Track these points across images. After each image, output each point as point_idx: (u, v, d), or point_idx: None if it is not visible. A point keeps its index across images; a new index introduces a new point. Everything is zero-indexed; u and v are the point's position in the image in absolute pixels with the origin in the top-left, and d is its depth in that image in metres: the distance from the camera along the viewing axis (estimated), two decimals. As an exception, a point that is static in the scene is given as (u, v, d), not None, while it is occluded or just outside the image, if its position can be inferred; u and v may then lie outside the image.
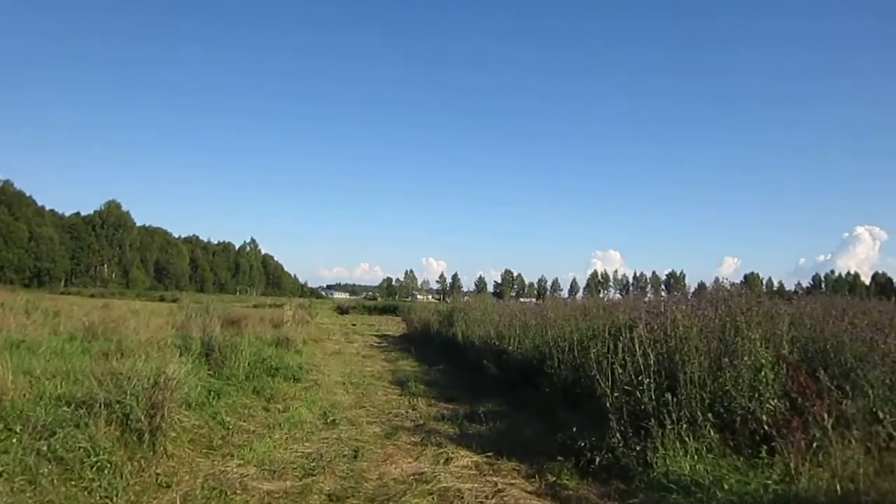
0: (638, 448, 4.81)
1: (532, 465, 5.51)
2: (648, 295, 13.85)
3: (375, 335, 25.28)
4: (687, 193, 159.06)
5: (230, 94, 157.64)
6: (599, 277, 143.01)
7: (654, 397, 5.07)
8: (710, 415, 4.74)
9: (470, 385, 10.48)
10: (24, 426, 4.55)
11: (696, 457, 4.61)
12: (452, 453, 5.84)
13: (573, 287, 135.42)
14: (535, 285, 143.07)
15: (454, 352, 14.54)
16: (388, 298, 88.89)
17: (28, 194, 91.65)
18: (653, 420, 4.78)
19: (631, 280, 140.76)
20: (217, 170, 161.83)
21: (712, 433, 4.70)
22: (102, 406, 4.71)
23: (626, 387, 5.23)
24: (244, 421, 6.82)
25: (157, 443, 4.85)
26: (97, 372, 5.82)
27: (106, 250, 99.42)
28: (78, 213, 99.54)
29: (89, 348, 9.30)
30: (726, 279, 8.05)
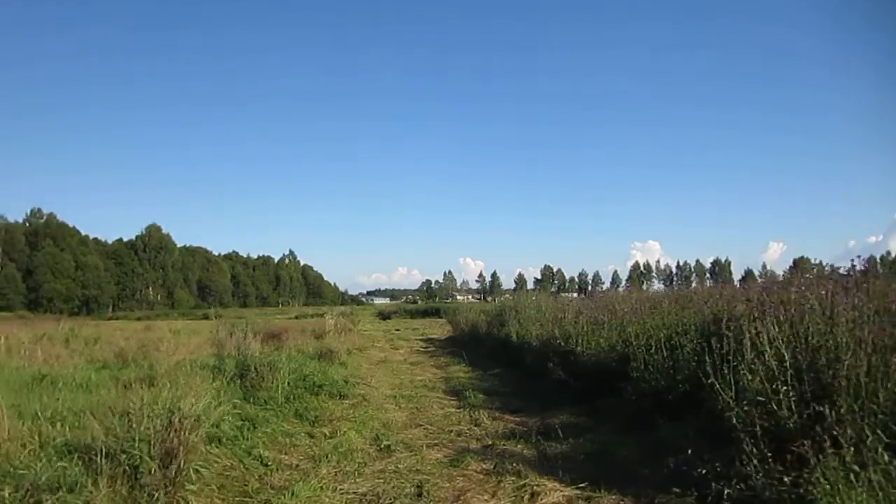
0: (786, 479, 3.66)
1: (640, 498, 4.43)
2: (693, 284, 12.40)
3: (420, 339, 24.35)
4: (725, 179, 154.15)
5: (249, 101, 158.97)
6: (641, 268, 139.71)
7: (795, 410, 3.92)
8: (882, 434, 3.56)
9: (534, 392, 9.41)
10: (16, 488, 3.67)
11: (867, 492, 3.45)
12: (537, 485, 4.77)
13: (615, 280, 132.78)
14: (576, 279, 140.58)
15: (509, 354, 13.46)
16: (428, 301, 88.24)
17: (71, 225, 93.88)
18: (805, 442, 3.61)
19: (674, 270, 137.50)
20: (251, 184, 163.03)
21: (886, 458, 3.52)
22: (103, 457, 3.78)
23: (758, 397, 4.07)
24: (285, 453, 5.88)
25: (176, 500, 3.92)
26: (118, 407, 4.95)
27: (149, 273, 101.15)
28: (120, 239, 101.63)
29: (119, 376, 8.53)
30: (773, 266, 7.10)
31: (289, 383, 7.94)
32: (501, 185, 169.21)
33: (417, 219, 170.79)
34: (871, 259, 7.61)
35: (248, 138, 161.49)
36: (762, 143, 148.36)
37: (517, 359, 12.70)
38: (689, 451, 4.34)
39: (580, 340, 8.75)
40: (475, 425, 7.36)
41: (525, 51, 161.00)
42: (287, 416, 7.10)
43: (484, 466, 5.46)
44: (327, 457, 5.73)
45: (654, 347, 6.63)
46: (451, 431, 7.05)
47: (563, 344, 9.12)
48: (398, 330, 31.77)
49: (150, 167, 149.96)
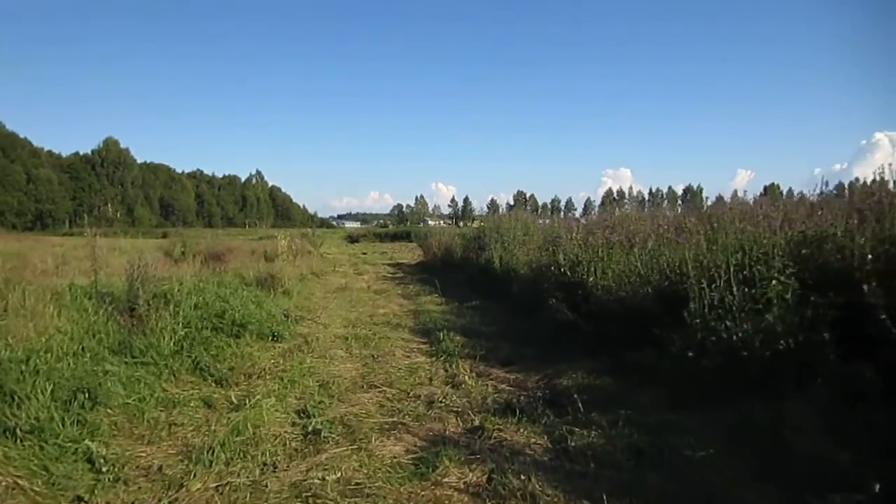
0: None
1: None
2: (666, 210, 10.79)
3: (388, 264, 22.16)
4: (693, 107, 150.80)
5: (224, 16, 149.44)
6: (614, 195, 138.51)
7: None
8: None
9: (527, 335, 7.30)
10: None
11: None
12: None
13: (587, 206, 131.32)
14: (549, 205, 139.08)
15: (490, 284, 11.34)
16: (399, 225, 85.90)
17: (22, 136, 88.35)
18: None
19: (647, 196, 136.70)
20: (217, 99, 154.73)
21: None
22: None
23: None
24: (147, 443, 3.64)
25: None
26: None
27: (108, 189, 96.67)
28: (77, 153, 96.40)
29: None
30: (745, 191, 6.69)
31: (189, 322, 5.59)
32: (474, 111, 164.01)
33: (390, 142, 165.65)
34: (839, 185, 6.63)
35: (215, 54, 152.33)
36: (728, 71, 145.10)
37: (501, 289, 10.58)
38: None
39: (594, 269, 6.54)
40: (453, 386, 5.21)
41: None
42: (178, 373, 4.82)
43: (471, 478, 3.26)
44: (212, 452, 3.50)
45: (719, 281, 4.45)
46: (419, 398, 4.86)
47: (567, 273, 6.91)
48: (365, 254, 29.50)
49: (106, 79, 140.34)
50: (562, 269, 7.12)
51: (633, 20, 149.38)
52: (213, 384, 4.90)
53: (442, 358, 6.24)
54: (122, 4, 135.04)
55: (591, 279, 6.53)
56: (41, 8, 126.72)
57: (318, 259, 19.47)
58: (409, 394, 4.99)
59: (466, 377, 5.42)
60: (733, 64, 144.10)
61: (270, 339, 6.80)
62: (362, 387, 5.18)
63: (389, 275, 17.73)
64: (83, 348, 4.41)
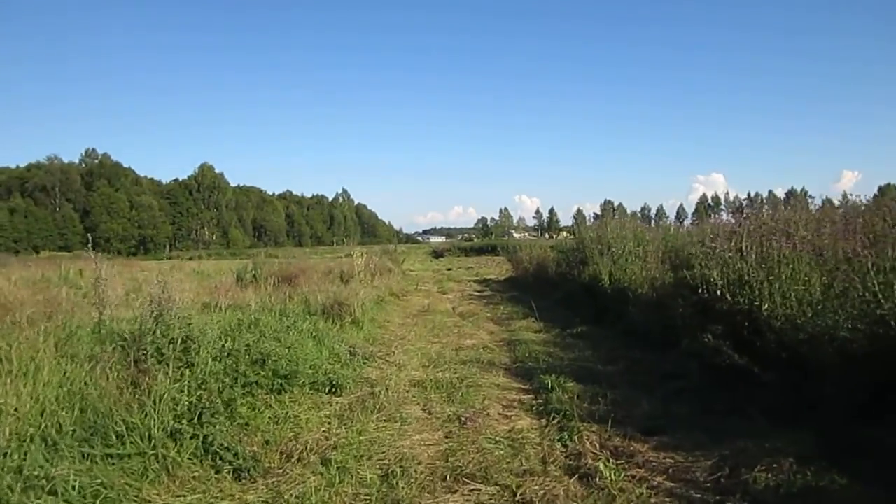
0: None
1: None
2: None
3: (475, 280, 20.55)
4: (790, 104, 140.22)
5: (305, 42, 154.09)
6: (709, 201, 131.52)
7: None
8: None
9: (663, 378, 5.45)
10: None
11: None
12: None
13: (679, 213, 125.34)
14: (638, 214, 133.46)
15: (598, 306, 9.47)
16: (484, 239, 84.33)
17: (126, 165, 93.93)
18: None
19: (744, 201, 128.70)
20: (304, 122, 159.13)
21: None
22: None
23: None
24: None
25: None
26: None
27: (204, 213, 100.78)
28: (176, 179, 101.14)
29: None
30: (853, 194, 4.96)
31: (203, 381, 4.06)
32: (556, 119, 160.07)
33: (472, 156, 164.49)
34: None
35: (295, 82, 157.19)
36: (823, 69, 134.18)
37: (612, 313, 8.75)
38: None
39: (770, 292, 4.57)
40: (580, 479, 3.43)
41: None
42: (176, 465, 3.29)
43: None
44: None
45: None
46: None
47: (727, 297, 4.94)
48: (450, 269, 27.98)
49: (204, 107, 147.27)
50: (713, 291, 5.17)
51: (723, 19, 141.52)
52: (230, 478, 3.35)
53: (555, 421, 4.46)
54: (201, 36, 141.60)
55: (767, 306, 4.58)
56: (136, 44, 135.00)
57: (399, 277, 18.11)
58: (515, 496, 3.24)
59: (598, 461, 3.62)
60: (831, 58, 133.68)
61: (327, 390, 5.26)
62: (444, 478, 3.47)
63: (476, 293, 16.07)
64: (34, 435, 2.97)
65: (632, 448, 3.89)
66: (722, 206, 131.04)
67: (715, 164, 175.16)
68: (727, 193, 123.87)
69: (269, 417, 4.38)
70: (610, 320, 8.66)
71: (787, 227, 4.94)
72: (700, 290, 5.34)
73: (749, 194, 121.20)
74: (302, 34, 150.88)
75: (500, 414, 4.80)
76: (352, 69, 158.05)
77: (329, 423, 4.48)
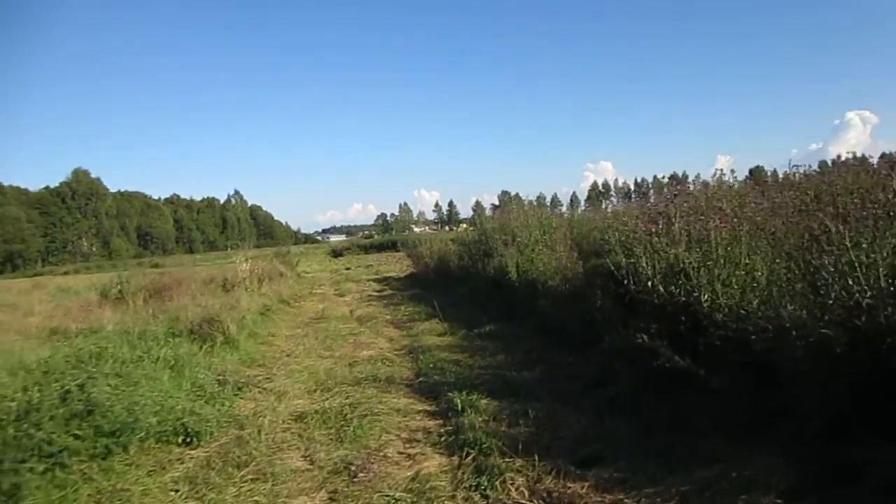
0: None
1: None
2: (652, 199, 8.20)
3: (374, 279, 19.45)
4: (670, 92, 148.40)
5: (187, 32, 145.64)
6: (600, 188, 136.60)
7: None
8: None
9: (589, 386, 4.70)
10: None
11: None
12: None
13: (573, 201, 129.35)
14: (535, 203, 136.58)
15: (507, 301, 8.71)
16: (384, 235, 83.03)
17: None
18: None
19: (632, 187, 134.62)
20: (189, 122, 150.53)
21: None
22: None
23: None
24: None
25: None
26: None
27: (81, 223, 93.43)
28: (47, 187, 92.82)
29: None
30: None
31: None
32: (451, 114, 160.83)
33: (369, 152, 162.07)
34: (822, 164, 6.59)
35: (180, 73, 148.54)
36: (698, 56, 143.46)
37: (523, 308, 7.99)
38: None
39: (713, 281, 3.86)
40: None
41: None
42: None
43: None
44: None
45: None
46: None
47: (659, 289, 4.19)
48: (348, 269, 26.69)
49: (76, 110, 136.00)
50: (640, 281, 4.43)
51: (606, 16, 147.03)
52: None
53: (469, 458, 3.56)
54: (79, 31, 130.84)
55: (707, 297, 3.87)
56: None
57: (292, 282, 16.73)
58: None
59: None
60: (704, 48, 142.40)
61: (180, 440, 4.11)
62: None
63: (376, 293, 15.02)
64: None
65: (569, 490, 3.06)
66: (612, 192, 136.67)
67: (603, 153, 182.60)
68: (616, 180, 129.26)
69: (89, 495, 3.21)
70: (521, 316, 7.91)
71: (722, 203, 4.26)
72: (626, 282, 4.59)
73: (636, 180, 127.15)
74: (181, 32, 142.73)
75: (400, 453, 3.83)
76: (237, 66, 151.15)
77: (175, 492, 3.35)
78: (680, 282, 4.06)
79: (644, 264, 4.29)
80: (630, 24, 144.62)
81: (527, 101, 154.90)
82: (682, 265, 4.07)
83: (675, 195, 4.71)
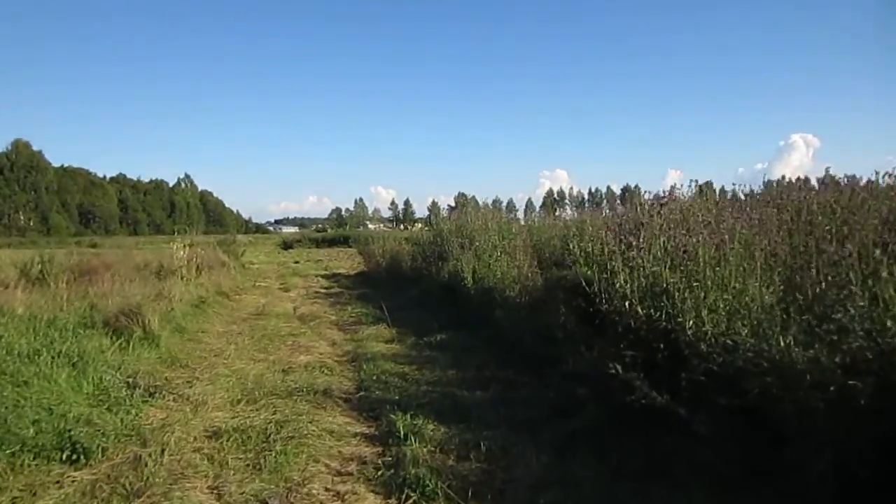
0: None
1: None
2: (605, 210, 8.05)
3: (323, 275, 18.68)
4: (624, 108, 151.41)
5: (142, 12, 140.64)
6: (555, 195, 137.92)
7: None
8: None
9: (551, 415, 4.17)
10: None
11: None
12: None
13: (528, 206, 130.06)
14: (490, 206, 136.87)
15: (460, 308, 8.19)
16: (338, 230, 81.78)
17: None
18: None
19: (586, 196, 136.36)
20: (140, 99, 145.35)
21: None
22: None
23: None
24: None
25: None
26: None
27: (19, 196, 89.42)
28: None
29: None
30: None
31: None
32: (412, 113, 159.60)
33: (328, 145, 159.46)
34: (767, 183, 6.49)
35: (135, 51, 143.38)
36: (653, 74, 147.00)
37: (477, 316, 7.51)
38: None
39: (696, 304, 3.39)
40: None
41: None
42: None
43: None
44: None
45: None
46: None
47: (637, 311, 3.69)
48: (297, 262, 25.79)
49: (13, 80, 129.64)
50: (613, 301, 3.94)
51: (564, 20, 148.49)
52: None
53: (410, 502, 2.99)
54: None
55: (691, 323, 3.39)
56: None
57: (235, 273, 15.84)
58: None
59: None
60: (660, 66, 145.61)
61: (65, 458, 3.42)
62: None
63: (323, 290, 14.31)
64: None
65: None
66: (566, 201, 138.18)
67: (559, 161, 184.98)
68: (571, 188, 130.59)
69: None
70: (474, 325, 7.39)
71: (709, 216, 3.79)
72: (597, 299, 4.10)
73: (590, 189, 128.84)
74: (143, 5, 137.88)
75: (328, 489, 3.22)
76: (196, 48, 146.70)
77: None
78: (661, 304, 3.58)
79: (622, 280, 3.79)
80: (591, 40, 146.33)
81: (484, 104, 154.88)
82: (664, 285, 3.59)
83: (663, 204, 4.21)
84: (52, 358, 4.80)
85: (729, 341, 3.22)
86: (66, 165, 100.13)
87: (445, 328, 7.65)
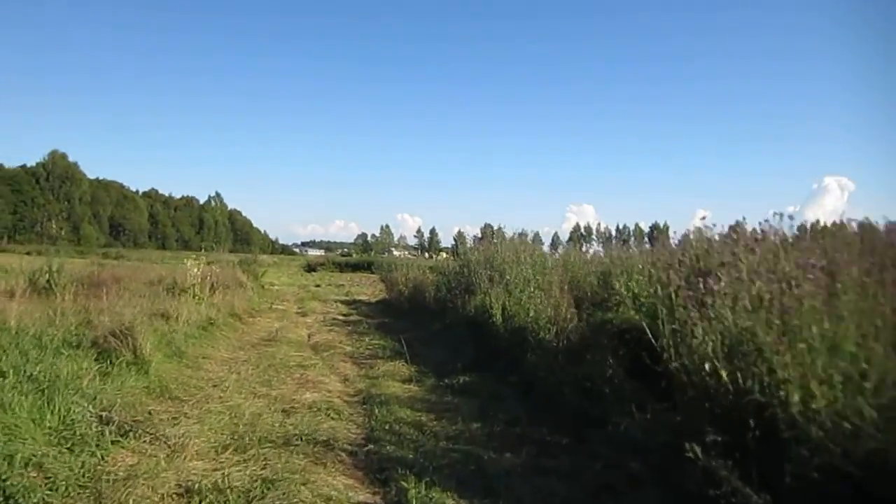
0: None
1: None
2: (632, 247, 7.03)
3: (344, 301, 18.04)
4: (654, 148, 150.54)
5: (188, 33, 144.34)
6: (582, 230, 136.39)
7: None
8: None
9: (597, 488, 3.38)
10: None
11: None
12: None
13: (555, 241, 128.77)
14: (517, 239, 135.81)
15: (487, 348, 7.40)
16: (363, 254, 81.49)
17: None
18: None
19: (613, 232, 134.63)
20: (177, 117, 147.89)
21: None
22: None
23: None
24: None
25: None
26: None
27: (53, 205, 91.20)
28: (23, 166, 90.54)
29: None
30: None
31: None
32: (441, 141, 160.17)
33: (356, 171, 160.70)
34: (801, 227, 5.16)
35: (177, 70, 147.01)
36: (683, 115, 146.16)
37: (506, 359, 6.73)
38: None
39: (819, 381, 2.61)
40: None
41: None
42: None
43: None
44: None
45: None
46: None
47: (725, 380, 2.90)
48: (318, 286, 25.22)
49: (57, 90, 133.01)
50: (697, 360, 3.16)
51: (601, 60, 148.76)
52: None
53: None
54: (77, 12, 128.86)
55: (798, 399, 2.60)
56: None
57: (252, 293, 15.26)
58: None
59: None
60: (688, 107, 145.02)
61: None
62: None
63: (341, 317, 13.61)
64: None
65: None
66: (593, 236, 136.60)
67: (587, 196, 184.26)
68: (599, 224, 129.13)
69: None
70: (502, 368, 6.60)
71: (812, 258, 3.00)
72: (664, 354, 3.33)
73: (618, 226, 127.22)
74: (177, 16, 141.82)
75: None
76: (231, 69, 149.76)
77: None
78: (754, 370, 2.79)
79: (699, 334, 3.02)
80: (625, 86, 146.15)
81: (515, 138, 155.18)
82: (756, 344, 2.81)
83: (757, 239, 3.40)
84: (19, 382, 4.16)
85: (847, 424, 2.45)
86: (100, 178, 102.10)
87: (470, 369, 6.88)
